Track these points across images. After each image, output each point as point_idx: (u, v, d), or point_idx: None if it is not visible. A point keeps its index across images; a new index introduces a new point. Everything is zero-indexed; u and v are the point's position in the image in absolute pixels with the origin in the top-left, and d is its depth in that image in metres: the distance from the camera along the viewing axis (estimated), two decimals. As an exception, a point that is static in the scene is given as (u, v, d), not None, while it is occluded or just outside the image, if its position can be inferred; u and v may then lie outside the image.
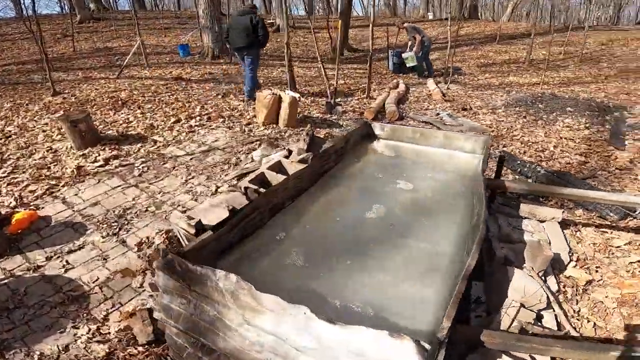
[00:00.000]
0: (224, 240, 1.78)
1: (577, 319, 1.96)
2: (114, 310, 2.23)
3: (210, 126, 5.20)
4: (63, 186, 3.75)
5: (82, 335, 2.03)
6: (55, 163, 4.27)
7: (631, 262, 2.32)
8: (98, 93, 6.66)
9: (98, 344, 1.96)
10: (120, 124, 5.29)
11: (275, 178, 2.59)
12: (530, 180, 3.49)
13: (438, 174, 2.57)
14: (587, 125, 5.04)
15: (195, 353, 1.62)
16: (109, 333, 2.05)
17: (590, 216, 2.92)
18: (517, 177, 3.64)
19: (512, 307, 1.71)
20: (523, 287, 1.80)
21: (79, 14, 13.88)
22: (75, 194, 3.59)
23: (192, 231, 1.98)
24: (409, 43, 8.22)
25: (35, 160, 4.32)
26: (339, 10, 12.03)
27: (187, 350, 1.66)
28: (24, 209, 3.28)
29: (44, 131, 5.13)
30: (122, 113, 5.70)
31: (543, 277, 2.02)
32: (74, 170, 4.04)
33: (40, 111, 5.87)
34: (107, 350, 1.90)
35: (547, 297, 1.85)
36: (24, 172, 4.03)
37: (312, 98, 6.68)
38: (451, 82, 7.62)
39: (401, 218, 2.12)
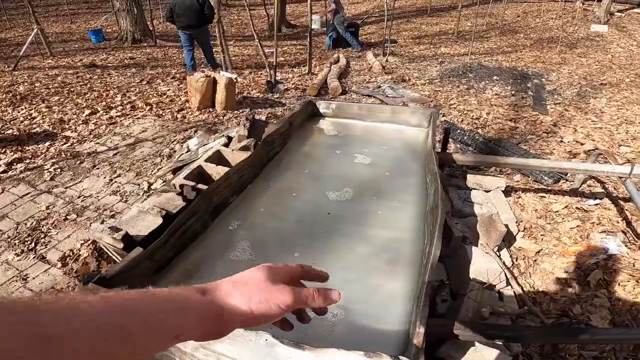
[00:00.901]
0: (160, 255, 1.51)
1: (534, 294, 2.04)
2: None
3: (135, 115, 4.60)
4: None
5: None
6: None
7: (571, 228, 2.48)
8: (-11, 88, 5.55)
9: None
10: (22, 122, 4.46)
11: (215, 171, 2.31)
12: (471, 148, 3.62)
13: (388, 151, 2.49)
14: (513, 92, 5.38)
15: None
16: None
17: (527, 181, 3.10)
18: (458, 146, 3.76)
19: (475, 290, 1.70)
20: (482, 267, 1.82)
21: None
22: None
23: (120, 245, 1.67)
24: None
25: None
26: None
27: None
28: None
29: None
30: (22, 109, 4.81)
31: (498, 253, 2.08)
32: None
33: None
34: None
35: (505, 274, 1.89)
36: None
37: (252, 77, 6.27)
38: (390, 54, 7.66)
39: (355, 202, 2.00)
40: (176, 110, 4.76)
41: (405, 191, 2.09)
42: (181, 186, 2.26)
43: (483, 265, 1.82)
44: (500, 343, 1.41)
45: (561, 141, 3.86)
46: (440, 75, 6.28)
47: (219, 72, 4.80)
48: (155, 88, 5.58)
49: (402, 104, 4.72)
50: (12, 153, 3.75)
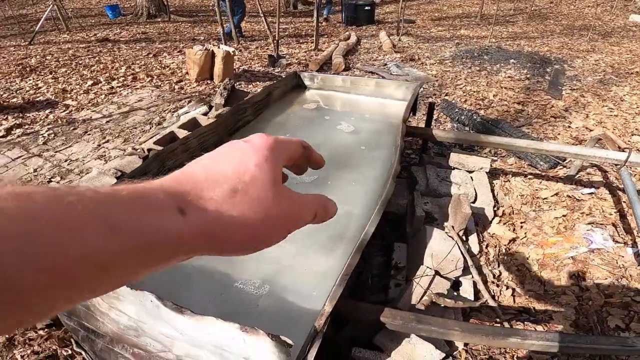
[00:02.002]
0: None
1: (497, 285, 1.87)
2: None
3: (134, 86, 4.64)
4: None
5: None
6: (-56, 136, 3.63)
7: (556, 217, 2.27)
8: (4, 61, 5.72)
9: None
10: (27, 91, 4.59)
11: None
12: (467, 128, 3.42)
13: (366, 122, 2.37)
14: (528, 76, 5.04)
15: (88, 335, 1.45)
16: None
17: (521, 165, 2.90)
18: (455, 125, 3.56)
19: (426, 276, 1.59)
20: (441, 250, 1.69)
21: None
22: (-38, 170, 3.07)
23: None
24: None
25: None
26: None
27: (80, 333, 1.49)
28: None
29: None
30: (29, 80, 4.94)
31: (465, 236, 1.94)
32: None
33: None
34: (7, 337, 1.72)
35: (465, 261, 1.75)
36: None
37: (256, 52, 6.18)
38: (404, 34, 7.34)
39: (320, 173, 1.92)
40: (175, 81, 4.76)
41: (372, 165, 1.99)
42: (148, 150, 2.25)
43: (442, 249, 1.70)
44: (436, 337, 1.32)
45: (569, 126, 3.58)
46: (453, 57, 5.97)
47: (219, 46, 4.73)
48: (160, 61, 5.59)
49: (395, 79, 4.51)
50: (13, 119, 3.87)
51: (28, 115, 3.97)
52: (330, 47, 6.06)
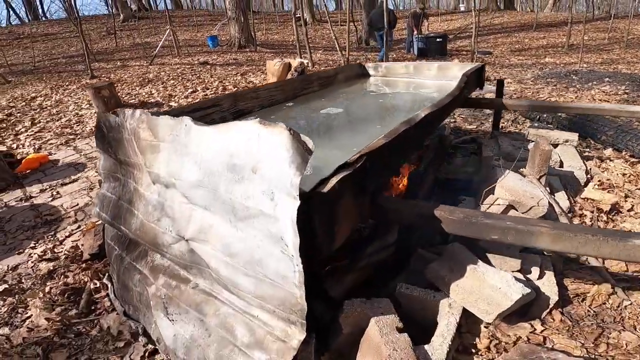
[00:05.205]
0: None
1: None
2: (77, 231, 2.21)
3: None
4: (79, 139, 3.94)
5: (34, 255, 2.02)
6: (79, 124, 4.51)
7: None
8: (130, 75, 7.07)
9: (46, 262, 1.93)
10: (143, 95, 5.54)
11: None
12: (551, 126, 3.15)
13: (420, 96, 2.35)
14: (627, 91, 4.52)
15: (120, 254, 1.55)
16: (61, 252, 2.02)
17: (620, 155, 2.54)
18: (536, 124, 3.30)
19: (497, 205, 1.41)
20: (515, 187, 1.50)
21: (122, 14, 14.96)
22: (87, 144, 3.75)
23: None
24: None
25: (61, 122, 4.60)
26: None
27: (114, 252, 1.59)
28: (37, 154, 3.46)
29: (75, 103, 5.47)
30: (146, 87, 5.98)
31: (548, 189, 1.72)
32: (92, 128, 4.24)
33: (77, 89, 6.30)
34: (51, 268, 1.86)
35: (549, 203, 1.53)
36: (49, 132, 4.29)
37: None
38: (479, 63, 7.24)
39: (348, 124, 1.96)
40: (257, 91, 5.33)
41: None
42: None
43: (518, 185, 1.49)
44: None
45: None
46: (535, 77, 5.67)
47: (295, 59, 5.22)
48: (246, 78, 6.33)
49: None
50: (129, 113, 4.68)
51: (139, 111, 4.76)
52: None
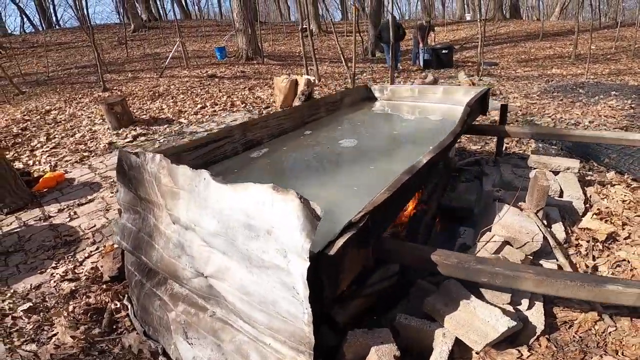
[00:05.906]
0: (185, 159, 1.76)
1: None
2: (96, 252, 2.30)
3: (232, 110, 5.42)
4: (93, 156, 4.07)
5: (56, 275, 2.10)
6: (92, 140, 4.65)
7: None
8: (141, 88, 7.26)
9: (68, 282, 2.01)
10: (154, 110, 5.68)
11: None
12: (554, 147, 3.19)
13: (426, 123, 2.42)
14: (633, 105, 4.53)
15: (140, 280, 1.63)
16: (81, 272, 2.10)
17: (622, 179, 2.58)
18: (540, 145, 3.34)
19: (493, 242, 1.49)
20: (513, 223, 1.56)
21: (132, 24, 15.30)
22: (101, 162, 3.88)
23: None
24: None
25: (76, 138, 4.75)
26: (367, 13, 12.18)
27: (134, 278, 1.67)
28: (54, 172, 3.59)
29: (88, 117, 5.63)
30: (157, 102, 6.13)
31: (544, 222, 1.78)
32: (106, 145, 4.38)
33: (89, 103, 6.48)
34: (73, 288, 1.94)
35: (544, 237, 1.59)
36: (64, 148, 4.44)
37: (334, 88, 6.74)
38: (485, 74, 7.28)
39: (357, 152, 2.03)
40: (263, 107, 5.44)
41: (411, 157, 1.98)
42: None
43: (515, 220, 1.56)
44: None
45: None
46: (541, 91, 5.70)
47: (302, 76, 5.33)
48: (254, 93, 6.46)
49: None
50: (140, 130, 4.80)
51: (152, 128, 4.88)
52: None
